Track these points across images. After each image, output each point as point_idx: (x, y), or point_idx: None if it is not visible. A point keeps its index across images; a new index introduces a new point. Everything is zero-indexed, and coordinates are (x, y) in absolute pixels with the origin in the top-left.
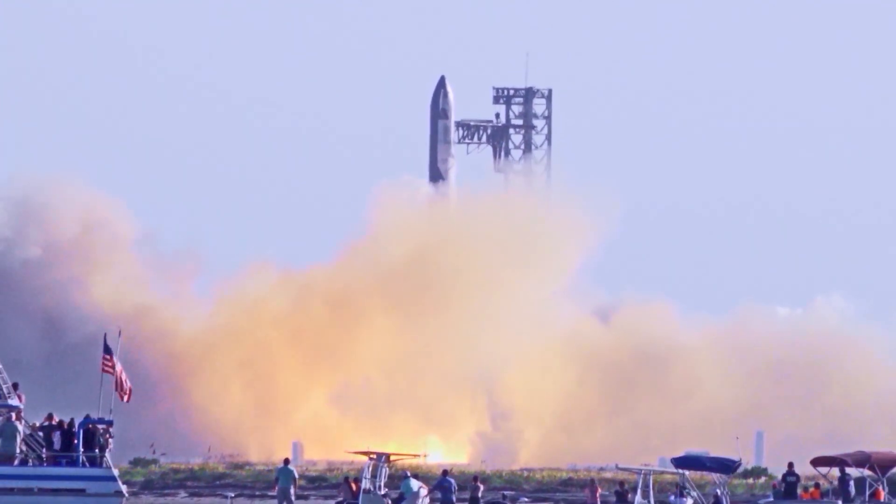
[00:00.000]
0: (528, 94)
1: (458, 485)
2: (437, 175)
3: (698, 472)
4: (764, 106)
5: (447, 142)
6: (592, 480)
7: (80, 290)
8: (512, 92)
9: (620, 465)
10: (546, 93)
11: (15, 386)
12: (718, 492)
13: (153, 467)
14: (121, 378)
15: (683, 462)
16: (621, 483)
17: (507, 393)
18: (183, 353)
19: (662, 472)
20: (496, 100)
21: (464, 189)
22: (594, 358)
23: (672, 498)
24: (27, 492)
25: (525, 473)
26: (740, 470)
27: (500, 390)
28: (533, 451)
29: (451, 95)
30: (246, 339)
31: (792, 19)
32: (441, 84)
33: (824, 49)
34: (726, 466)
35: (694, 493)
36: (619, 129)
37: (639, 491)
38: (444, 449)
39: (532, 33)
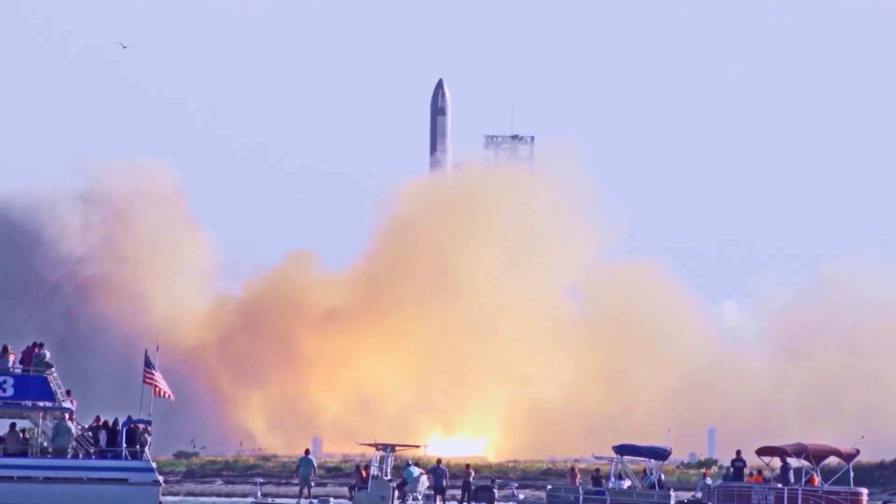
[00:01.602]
0: (514, 140)
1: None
2: (436, 165)
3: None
4: (735, 150)
5: (444, 135)
6: (572, 468)
7: (146, 304)
8: (500, 139)
9: (595, 454)
10: (529, 139)
11: (68, 392)
12: (653, 476)
13: (194, 459)
14: (160, 386)
15: (622, 449)
16: (597, 470)
17: (499, 392)
18: (220, 362)
19: (632, 460)
20: (486, 145)
21: (463, 185)
22: (578, 357)
23: (612, 481)
24: (78, 481)
25: (511, 464)
26: (672, 459)
27: (495, 390)
28: (520, 444)
29: (448, 95)
30: (272, 346)
31: (765, 65)
32: (439, 86)
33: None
34: (658, 453)
35: (657, 477)
36: (592, 171)
37: (611, 475)
38: (444, 442)
39: (517, 88)
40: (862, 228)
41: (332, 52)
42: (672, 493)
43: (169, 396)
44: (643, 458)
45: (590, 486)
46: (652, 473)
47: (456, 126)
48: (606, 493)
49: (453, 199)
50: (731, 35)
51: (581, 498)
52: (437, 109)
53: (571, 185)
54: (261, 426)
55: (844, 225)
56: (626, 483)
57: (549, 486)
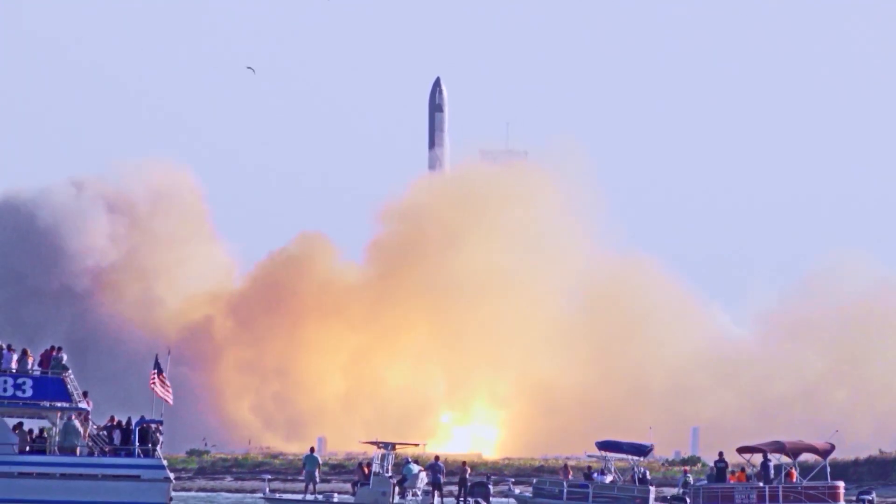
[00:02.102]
0: (508, 154)
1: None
2: (434, 160)
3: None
4: (721, 157)
5: (442, 130)
6: (565, 465)
7: (161, 308)
8: (495, 153)
9: (588, 454)
10: (523, 154)
11: (85, 394)
12: (639, 470)
13: (205, 456)
14: (158, 391)
15: (605, 445)
16: (588, 467)
17: (500, 390)
18: (226, 363)
19: (620, 459)
20: (482, 160)
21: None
22: (576, 355)
23: (595, 475)
24: (93, 478)
25: (505, 461)
26: (657, 457)
27: (495, 388)
28: (520, 440)
29: (445, 93)
30: (275, 345)
31: (755, 86)
32: (437, 84)
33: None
34: (640, 450)
35: (647, 472)
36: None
37: (602, 470)
38: (445, 440)
39: (511, 105)
40: (848, 232)
41: (331, 54)
42: (652, 488)
43: (166, 401)
44: (626, 455)
45: (580, 481)
46: (636, 469)
47: (453, 132)
48: (589, 486)
49: (455, 200)
50: (722, 51)
51: (565, 491)
52: (435, 106)
53: (571, 186)
54: (265, 426)
55: (832, 229)
56: (608, 478)
57: (536, 480)
